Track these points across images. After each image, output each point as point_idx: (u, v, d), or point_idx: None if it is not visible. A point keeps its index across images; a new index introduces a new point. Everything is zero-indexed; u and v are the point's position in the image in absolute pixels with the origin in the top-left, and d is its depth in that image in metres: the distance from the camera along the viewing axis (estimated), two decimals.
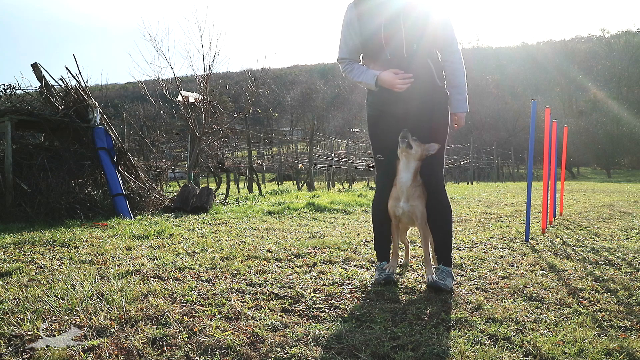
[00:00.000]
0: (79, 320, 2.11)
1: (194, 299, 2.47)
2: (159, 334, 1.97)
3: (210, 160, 10.78)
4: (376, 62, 2.77)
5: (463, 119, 2.89)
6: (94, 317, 2.14)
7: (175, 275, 2.96)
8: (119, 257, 3.46)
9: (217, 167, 10.94)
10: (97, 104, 6.49)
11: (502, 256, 3.72)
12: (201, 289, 2.67)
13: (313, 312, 2.35)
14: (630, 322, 2.24)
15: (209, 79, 8.92)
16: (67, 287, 2.56)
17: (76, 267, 3.13)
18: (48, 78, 6.32)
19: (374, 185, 16.80)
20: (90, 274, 2.90)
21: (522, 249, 4.02)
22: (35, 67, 6.25)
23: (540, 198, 9.18)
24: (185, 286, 2.68)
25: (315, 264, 3.35)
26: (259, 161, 19.75)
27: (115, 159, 6.28)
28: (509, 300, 2.57)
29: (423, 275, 3.11)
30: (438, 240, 2.85)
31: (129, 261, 3.33)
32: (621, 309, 2.43)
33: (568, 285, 2.87)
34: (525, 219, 4.88)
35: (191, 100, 9.27)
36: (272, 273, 3.07)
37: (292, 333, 2.05)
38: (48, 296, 2.40)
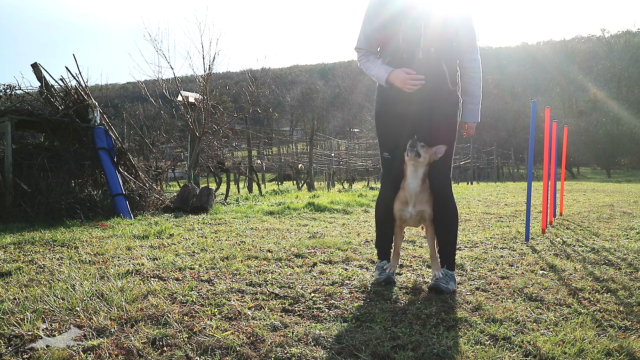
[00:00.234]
0: (79, 320, 2.11)
1: (194, 299, 2.47)
2: (159, 334, 1.97)
3: (210, 160, 10.78)
4: (392, 58, 2.73)
5: (473, 128, 2.88)
6: (94, 317, 2.14)
7: (175, 275, 2.96)
8: (119, 257, 3.46)
9: (217, 167, 10.94)
10: (97, 104, 6.49)
11: (502, 256, 3.72)
12: (201, 289, 2.67)
13: (313, 312, 2.35)
14: (630, 322, 2.24)
15: (209, 79, 8.92)
16: (67, 287, 2.56)
17: (76, 267, 3.13)
18: (48, 78, 6.32)
19: (374, 186, 16.81)
20: (90, 274, 2.90)
21: (522, 249, 4.02)
22: (35, 67, 6.25)
23: (540, 198, 9.18)
24: (185, 286, 2.68)
25: (315, 264, 3.35)
26: (259, 161, 19.75)
27: (115, 159, 6.28)
28: (509, 300, 2.57)
29: (423, 275, 3.11)
30: (442, 244, 2.84)
31: (129, 261, 3.33)
32: (621, 309, 2.43)
33: (568, 285, 2.87)
34: (525, 219, 4.88)
35: (191, 100, 9.27)
36: (272, 273, 3.07)
37: (292, 333, 2.05)
38: (48, 296, 2.40)
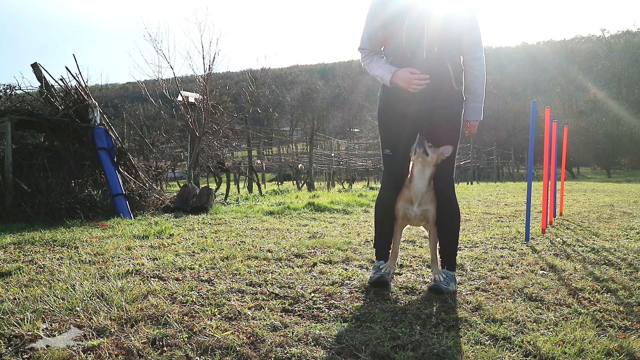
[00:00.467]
0: (79, 320, 2.11)
1: (194, 299, 2.47)
2: (159, 334, 1.97)
3: (210, 160, 10.78)
4: (395, 58, 2.72)
5: (476, 127, 2.87)
6: (94, 317, 2.14)
7: (175, 275, 2.96)
8: (119, 257, 3.46)
9: (217, 167, 10.94)
10: (97, 104, 6.49)
11: (502, 256, 3.72)
12: (201, 289, 2.67)
13: (313, 312, 2.35)
14: (630, 322, 2.24)
15: (209, 79, 8.92)
16: (67, 287, 2.56)
17: (76, 267, 3.13)
18: (48, 78, 6.32)
19: (374, 186, 16.81)
20: (90, 274, 2.90)
21: (522, 249, 4.02)
22: (35, 67, 6.25)
23: (540, 198, 9.18)
24: (185, 286, 2.68)
25: (315, 264, 3.35)
26: (259, 161, 19.75)
27: (115, 159, 6.28)
28: (509, 300, 2.57)
29: (423, 275, 3.11)
30: (444, 244, 2.84)
31: (129, 261, 3.33)
32: (621, 309, 2.43)
33: (568, 285, 2.87)
34: (525, 219, 4.88)
35: (191, 100, 9.27)
36: (272, 273, 3.07)
37: (292, 333, 2.05)
38: (48, 296, 2.40)
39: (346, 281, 2.92)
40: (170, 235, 4.53)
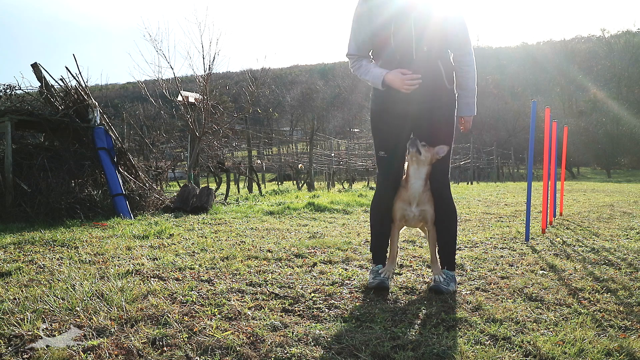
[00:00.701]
0: (79, 320, 2.11)
1: (194, 299, 2.47)
2: (159, 334, 1.97)
3: (210, 160, 10.78)
4: (385, 61, 2.72)
5: (470, 122, 2.87)
6: (94, 317, 2.14)
7: (175, 275, 2.96)
8: (119, 257, 3.46)
9: (217, 167, 10.94)
10: (97, 104, 6.49)
11: (502, 256, 3.72)
12: (201, 289, 2.67)
13: (313, 312, 2.35)
14: (630, 322, 2.24)
15: (209, 79, 8.92)
16: (67, 287, 2.56)
17: (76, 267, 3.13)
18: (48, 78, 6.32)
19: (374, 186, 16.80)
20: (90, 274, 2.90)
21: (522, 249, 4.02)
22: (35, 67, 6.25)
23: (540, 198, 9.18)
24: (185, 286, 2.68)
25: (315, 264, 3.35)
26: (259, 161, 19.75)
27: (115, 159, 6.28)
28: (509, 300, 2.57)
29: (423, 275, 3.11)
30: (442, 244, 2.83)
31: (129, 261, 3.33)
32: (621, 309, 2.43)
33: (568, 285, 2.87)
34: (525, 219, 4.88)
35: (191, 100, 9.27)
36: (272, 273, 3.07)
37: (292, 333, 2.05)
38: (48, 296, 2.40)
39: (346, 281, 2.92)
40: (170, 235, 4.53)
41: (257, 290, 2.67)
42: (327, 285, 2.80)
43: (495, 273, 3.15)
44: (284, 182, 21.75)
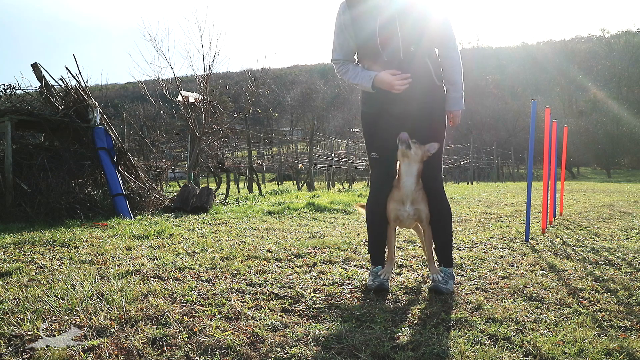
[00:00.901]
0: (79, 320, 2.11)
1: (194, 299, 2.47)
2: (159, 334, 1.97)
3: (210, 160, 10.78)
4: (373, 63, 2.72)
5: (459, 116, 2.86)
6: (94, 317, 2.14)
7: (175, 275, 2.96)
8: (119, 257, 3.46)
9: (217, 167, 10.94)
10: (97, 104, 6.49)
11: (502, 256, 3.72)
12: (201, 289, 2.67)
13: (313, 312, 2.35)
14: (630, 322, 2.24)
15: (209, 79, 8.92)
16: (67, 287, 2.56)
17: (76, 267, 3.13)
18: (48, 78, 6.32)
19: None
20: (90, 274, 2.90)
21: (522, 249, 4.02)
22: (35, 67, 6.25)
23: (540, 198, 9.18)
24: (185, 286, 2.68)
25: (315, 264, 3.35)
26: (259, 161, 19.75)
27: (115, 159, 6.28)
28: (509, 300, 2.57)
29: (423, 275, 3.11)
30: (439, 242, 2.83)
31: (129, 261, 3.33)
32: (621, 309, 2.43)
33: (568, 285, 2.87)
34: (525, 219, 4.88)
35: (191, 100, 9.27)
36: (272, 273, 3.07)
37: (292, 333, 2.05)
38: (48, 296, 2.40)
39: (346, 281, 2.92)
40: (170, 235, 4.53)
41: (257, 290, 2.67)
42: (327, 285, 2.80)
43: (495, 273, 3.15)
44: (284, 182, 21.75)
